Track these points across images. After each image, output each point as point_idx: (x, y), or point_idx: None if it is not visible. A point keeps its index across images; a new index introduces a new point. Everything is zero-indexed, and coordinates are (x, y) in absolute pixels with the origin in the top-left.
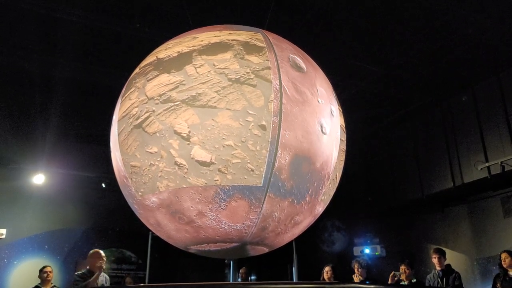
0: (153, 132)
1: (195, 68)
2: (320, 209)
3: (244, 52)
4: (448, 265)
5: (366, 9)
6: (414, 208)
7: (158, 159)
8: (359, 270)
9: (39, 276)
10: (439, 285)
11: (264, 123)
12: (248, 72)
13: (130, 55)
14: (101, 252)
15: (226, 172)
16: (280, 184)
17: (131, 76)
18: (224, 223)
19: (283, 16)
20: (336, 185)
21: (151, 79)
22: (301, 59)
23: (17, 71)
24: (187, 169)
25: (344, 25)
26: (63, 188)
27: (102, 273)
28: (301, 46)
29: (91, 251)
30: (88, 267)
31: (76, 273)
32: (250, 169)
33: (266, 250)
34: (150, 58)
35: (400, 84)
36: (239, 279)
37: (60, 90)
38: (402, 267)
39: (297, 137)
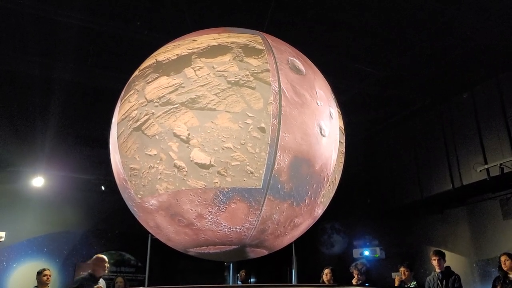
0: (153, 135)
1: (195, 70)
2: (319, 211)
3: (243, 55)
4: (448, 267)
5: (365, 11)
6: (413, 210)
7: (158, 161)
8: (359, 276)
9: (37, 279)
10: (438, 287)
11: (263, 125)
12: (247, 75)
13: (129, 57)
14: (105, 257)
15: (225, 174)
16: (279, 186)
17: (131, 78)
18: (224, 225)
19: (283, 18)
20: (336, 187)
21: (150, 81)
22: (300, 61)
23: (17, 73)
24: (186, 171)
25: (343, 26)
26: (62, 190)
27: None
28: (300, 47)
29: (94, 257)
30: (90, 271)
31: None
32: (249, 172)
33: (265, 252)
34: (149, 61)
35: (399, 86)
36: (239, 282)
37: (59, 93)
38: (402, 269)
39: (296, 139)
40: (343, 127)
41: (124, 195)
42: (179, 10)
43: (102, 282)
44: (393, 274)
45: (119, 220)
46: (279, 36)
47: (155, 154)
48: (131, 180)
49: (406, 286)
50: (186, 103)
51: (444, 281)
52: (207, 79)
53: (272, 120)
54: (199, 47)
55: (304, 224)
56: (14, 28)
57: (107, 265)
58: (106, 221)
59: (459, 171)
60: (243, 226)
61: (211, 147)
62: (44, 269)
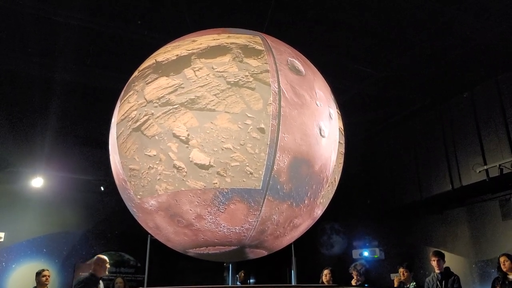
0: (152, 135)
1: (194, 71)
2: (319, 212)
3: (243, 55)
4: (447, 268)
5: (365, 11)
6: (412, 211)
7: (157, 162)
8: (358, 277)
9: (36, 279)
10: None
11: (262, 126)
12: (247, 75)
13: (129, 57)
14: (106, 258)
15: (225, 175)
16: (278, 187)
17: (130, 79)
18: (223, 226)
19: (283, 18)
20: (335, 188)
21: (150, 82)
22: (299, 62)
23: (17, 73)
24: (186, 172)
25: (343, 26)
26: (61, 191)
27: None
28: (300, 47)
29: (96, 257)
30: (91, 271)
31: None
32: (249, 172)
33: (265, 253)
34: (149, 61)
35: (399, 86)
36: (238, 282)
37: (59, 93)
38: (401, 270)
39: (296, 140)
40: (342, 128)
41: (124, 196)
42: (179, 10)
43: (101, 284)
44: (392, 275)
45: (118, 221)
46: (279, 36)
47: (155, 155)
48: (130, 180)
49: (405, 287)
50: (185, 103)
51: (443, 282)
52: (206, 79)
53: (271, 120)
54: (198, 48)
55: (303, 224)
56: (14, 28)
57: (108, 266)
58: (105, 222)
59: (458, 171)
60: (242, 227)
61: (211, 148)
62: (43, 270)
